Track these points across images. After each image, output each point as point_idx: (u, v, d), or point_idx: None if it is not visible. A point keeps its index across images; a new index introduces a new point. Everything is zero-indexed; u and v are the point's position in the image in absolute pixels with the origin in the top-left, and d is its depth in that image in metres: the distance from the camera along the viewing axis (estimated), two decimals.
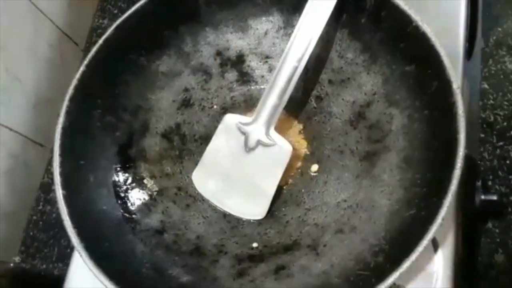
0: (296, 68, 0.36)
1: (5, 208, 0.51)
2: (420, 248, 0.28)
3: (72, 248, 0.49)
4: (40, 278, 0.53)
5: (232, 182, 0.40)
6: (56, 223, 0.54)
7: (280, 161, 0.38)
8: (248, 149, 0.39)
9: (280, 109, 0.38)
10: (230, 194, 0.40)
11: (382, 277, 0.28)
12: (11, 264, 0.53)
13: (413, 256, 0.28)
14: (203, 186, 0.40)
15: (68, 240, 0.50)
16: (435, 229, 0.28)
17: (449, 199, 0.28)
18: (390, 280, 0.28)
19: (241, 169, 0.39)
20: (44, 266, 0.53)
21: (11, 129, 0.52)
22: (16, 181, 0.53)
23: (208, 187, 0.40)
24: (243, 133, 0.39)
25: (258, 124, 0.38)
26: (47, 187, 0.57)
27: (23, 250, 0.54)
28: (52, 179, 0.54)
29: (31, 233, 0.55)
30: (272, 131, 0.38)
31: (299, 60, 0.36)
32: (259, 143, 0.38)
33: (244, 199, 0.39)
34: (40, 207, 0.56)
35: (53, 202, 0.55)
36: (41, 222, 0.55)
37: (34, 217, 0.56)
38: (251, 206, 0.39)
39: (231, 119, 0.39)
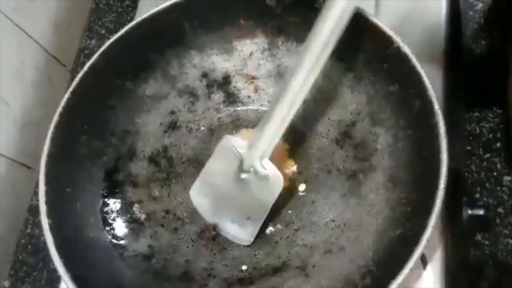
0: (294, 102, 0.36)
1: None
2: (406, 271, 0.28)
3: None
4: None
5: (224, 204, 0.40)
6: (45, 247, 0.53)
7: (272, 193, 0.38)
8: (242, 174, 0.39)
9: (277, 139, 0.37)
10: (221, 215, 0.40)
11: None
12: None
13: (399, 279, 0.28)
14: (199, 203, 0.41)
15: None
16: (420, 250, 0.28)
17: (433, 219, 0.29)
18: None
19: (233, 192, 0.39)
20: None
21: None
22: (3, 204, 0.53)
23: (203, 205, 0.40)
24: (239, 156, 0.39)
25: (253, 151, 0.38)
26: (35, 210, 0.56)
27: (12, 274, 0.53)
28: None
29: (20, 257, 0.54)
30: (266, 161, 0.38)
31: (299, 93, 0.36)
32: (252, 170, 0.38)
33: (233, 223, 0.39)
34: (29, 230, 0.55)
35: (41, 225, 0.55)
36: (29, 246, 0.55)
37: (23, 241, 0.55)
38: (239, 231, 0.39)
39: (228, 142, 0.39)
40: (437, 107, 0.32)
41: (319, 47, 0.34)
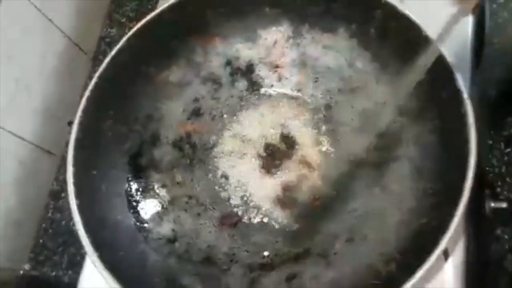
0: None
1: (14, 216, 0.52)
2: (432, 258, 0.28)
3: (81, 256, 0.49)
4: (49, 285, 0.53)
5: None
6: (66, 231, 0.55)
7: None
8: None
9: None
10: None
11: (394, 287, 0.28)
12: (21, 272, 0.53)
13: (425, 266, 0.28)
14: None
15: (77, 248, 0.50)
16: (447, 239, 0.28)
17: (461, 209, 0.29)
18: None
19: None
20: (53, 273, 0.53)
21: (20, 137, 0.53)
22: (26, 189, 0.54)
23: None
24: None
25: None
26: (56, 195, 0.57)
27: (33, 257, 0.54)
28: (61, 186, 0.54)
29: (41, 241, 0.55)
30: None
31: None
32: None
33: None
34: (50, 215, 0.56)
35: (62, 210, 0.56)
36: (50, 230, 0.55)
37: (43, 225, 0.56)
38: None
39: None
40: (465, 96, 0.31)
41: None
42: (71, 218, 0.51)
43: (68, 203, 0.52)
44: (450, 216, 0.29)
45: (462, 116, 0.31)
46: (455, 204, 0.29)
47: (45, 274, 0.53)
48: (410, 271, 0.29)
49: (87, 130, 0.37)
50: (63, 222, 0.55)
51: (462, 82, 0.32)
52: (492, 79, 0.49)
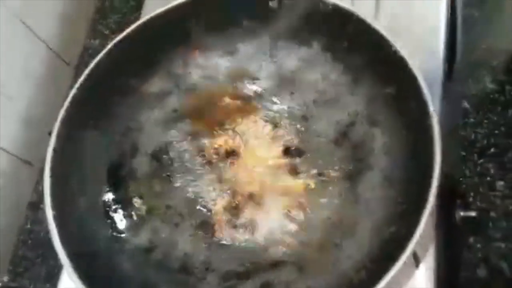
0: None
1: None
2: (399, 264, 0.29)
3: (59, 268, 0.49)
4: None
5: None
6: (44, 242, 0.54)
7: None
8: None
9: None
10: None
11: None
12: (0, 284, 0.53)
13: (392, 272, 0.29)
14: None
15: (56, 260, 0.50)
16: (413, 245, 0.29)
17: (426, 216, 0.30)
18: None
19: None
20: (32, 285, 0.53)
21: (0, 148, 0.53)
22: (4, 200, 0.53)
23: None
24: None
25: None
26: (35, 206, 0.56)
27: (12, 269, 0.54)
28: (40, 198, 0.54)
29: (20, 252, 0.54)
30: None
31: None
32: None
33: None
34: (28, 226, 0.56)
35: (41, 221, 0.55)
36: (29, 241, 0.55)
37: (22, 236, 0.55)
38: None
39: None
40: (432, 109, 0.33)
41: None
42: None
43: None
44: (417, 223, 0.30)
45: (428, 128, 0.32)
46: (421, 211, 0.30)
47: (24, 286, 0.53)
48: (379, 277, 0.29)
49: (66, 141, 0.37)
50: (42, 234, 0.55)
51: (429, 94, 0.34)
52: (464, 92, 0.51)
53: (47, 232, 0.52)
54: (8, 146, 0.54)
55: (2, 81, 0.52)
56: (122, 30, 0.42)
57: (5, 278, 0.53)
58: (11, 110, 0.54)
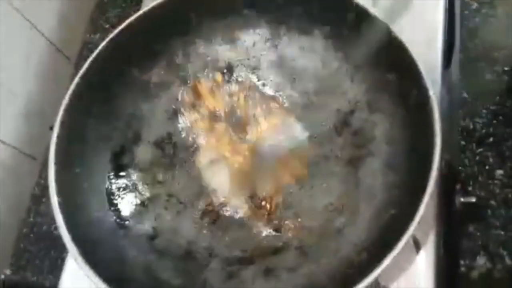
0: None
1: None
2: (400, 245, 0.29)
3: (63, 260, 0.49)
4: None
5: None
6: (47, 235, 0.54)
7: None
8: None
9: None
10: None
11: (365, 274, 0.30)
12: (2, 276, 0.53)
13: (394, 252, 0.29)
14: None
15: (59, 252, 0.51)
16: (414, 227, 0.30)
17: (426, 198, 0.30)
18: (372, 276, 0.29)
19: None
20: (35, 278, 0.53)
21: (2, 141, 0.53)
22: (7, 192, 0.54)
23: None
24: None
25: None
26: (37, 199, 0.56)
27: (14, 262, 0.54)
28: (42, 191, 0.54)
29: (22, 245, 0.54)
30: None
31: None
32: None
33: None
34: (31, 219, 0.56)
35: (43, 214, 0.55)
36: (31, 234, 0.55)
37: (25, 229, 0.55)
38: None
39: None
40: (431, 93, 0.33)
41: None
42: (52, 223, 0.52)
43: (49, 208, 0.52)
44: (417, 206, 0.30)
45: (428, 112, 0.33)
46: (422, 194, 0.30)
47: (26, 278, 0.53)
48: (380, 259, 0.30)
49: (69, 129, 0.38)
50: (44, 227, 0.55)
51: (429, 80, 0.34)
52: (463, 82, 0.51)
53: (50, 225, 0.53)
54: (10, 140, 0.54)
55: (3, 76, 0.52)
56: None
57: (8, 271, 0.53)
58: (13, 105, 0.55)
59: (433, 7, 0.47)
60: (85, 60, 0.41)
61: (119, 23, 0.41)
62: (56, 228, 0.51)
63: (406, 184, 0.34)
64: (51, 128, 0.41)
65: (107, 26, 0.64)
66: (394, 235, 0.31)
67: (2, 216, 0.53)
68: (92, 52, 0.41)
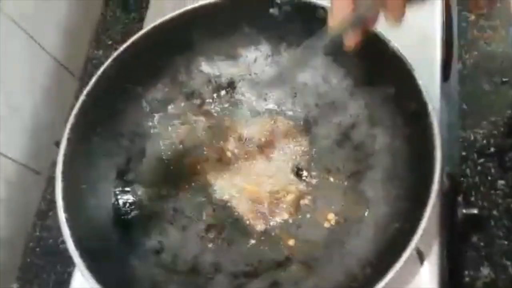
0: None
1: (2, 235, 0.52)
2: (403, 258, 0.30)
3: (69, 274, 0.49)
4: None
5: None
6: (53, 249, 0.55)
7: None
8: None
9: None
10: None
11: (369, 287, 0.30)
12: None
13: (397, 266, 0.30)
14: None
15: (65, 266, 0.51)
16: (417, 240, 0.30)
17: (429, 210, 0.30)
18: None
19: None
20: None
21: (8, 157, 0.54)
22: (13, 208, 0.54)
23: None
24: None
25: None
26: (43, 214, 0.57)
27: (20, 276, 0.54)
28: (48, 205, 0.55)
29: (28, 260, 0.55)
30: None
31: None
32: None
33: None
34: (37, 233, 0.57)
35: (49, 229, 0.56)
36: (38, 249, 0.56)
37: (31, 244, 0.56)
38: None
39: None
40: (431, 107, 0.34)
41: None
42: (58, 237, 0.52)
43: (55, 222, 0.53)
44: (420, 218, 0.31)
45: (428, 126, 0.33)
46: (424, 206, 0.31)
47: None
48: (384, 272, 0.30)
49: (75, 145, 0.38)
50: (51, 241, 0.56)
51: (428, 95, 0.35)
52: (462, 93, 0.52)
53: (56, 239, 0.53)
54: (15, 155, 0.55)
55: (8, 92, 0.53)
56: (126, 41, 0.43)
57: (15, 286, 0.54)
58: (17, 120, 0.55)
59: (430, 20, 0.48)
60: (90, 75, 0.41)
61: (122, 40, 0.42)
62: (62, 242, 0.52)
63: (408, 197, 0.34)
64: (57, 144, 0.41)
65: (110, 42, 0.65)
66: (398, 248, 0.31)
67: (9, 231, 0.53)
68: (96, 67, 0.42)
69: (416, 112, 0.35)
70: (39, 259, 0.55)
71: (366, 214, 0.37)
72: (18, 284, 0.54)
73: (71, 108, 0.41)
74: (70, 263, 0.50)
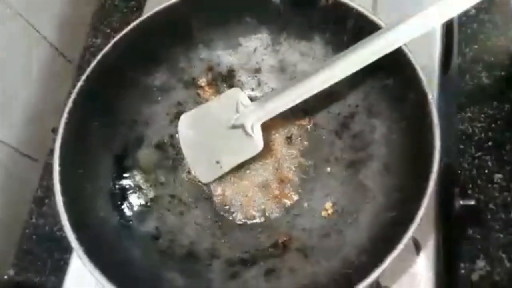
0: (306, 93, 0.39)
1: None
2: (400, 246, 0.30)
3: (65, 261, 0.49)
4: None
5: (204, 140, 0.43)
6: (49, 236, 0.55)
7: (246, 152, 0.41)
8: (232, 125, 0.41)
9: (278, 112, 0.40)
10: (197, 149, 0.43)
11: (365, 275, 0.30)
12: (5, 277, 0.53)
13: (394, 254, 0.30)
14: (184, 130, 0.44)
15: (61, 253, 0.51)
16: (414, 228, 0.30)
17: (426, 200, 0.31)
18: (372, 277, 0.30)
19: (217, 135, 0.42)
20: (37, 279, 0.53)
21: (5, 143, 0.54)
22: (10, 194, 0.54)
23: (187, 133, 0.43)
24: (237, 111, 0.41)
25: (252, 112, 0.41)
26: (40, 201, 0.57)
27: (16, 263, 0.54)
28: (45, 192, 0.55)
29: (24, 247, 0.55)
30: (258, 126, 0.40)
31: (315, 89, 0.38)
32: (242, 126, 0.40)
33: (203, 160, 0.42)
34: (33, 220, 0.56)
35: (46, 216, 0.56)
36: (34, 236, 0.56)
37: (27, 231, 0.56)
38: (204, 170, 0.42)
39: (235, 94, 0.42)
40: (430, 97, 0.34)
41: (351, 64, 0.37)
42: (55, 224, 0.52)
43: (51, 210, 0.53)
44: (417, 207, 0.31)
45: (427, 116, 0.33)
46: (422, 195, 0.31)
47: (29, 279, 0.53)
48: (380, 260, 0.30)
49: (74, 131, 0.38)
50: (47, 228, 0.56)
51: (428, 84, 0.35)
52: (461, 87, 0.52)
53: (52, 226, 0.53)
54: (12, 142, 0.55)
55: (5, 78, 0.53)
56: (123, 29, 0.43)
57: (11, 272, 0.54)
58: (15, 108, 0.55)
59: None
60: (87, 63, 0.41)
61: (121, 28, 0.42)
62: (58, 229, 0.52)
63: (406, 186, 0.35)
64: (53, 131, 0.41)
65: (108, 30, 0.65)
66: (395, 236, 0.31)
67: (5, 217, 0.53)
68: (94, 56, 0.41)
69: (415, 102, 0.35)
70: (35, 246, 0.55)
71: (364, 203, 0.37)
72: (14, 270, 0.54)
73: (69, 95, 0.40)
74: (67, 250, 0.50)
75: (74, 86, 0.40)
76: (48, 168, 0.55)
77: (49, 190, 0.56)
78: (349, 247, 0.35)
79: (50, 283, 0.52)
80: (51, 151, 0.39)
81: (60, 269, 0.49)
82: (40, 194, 0.57)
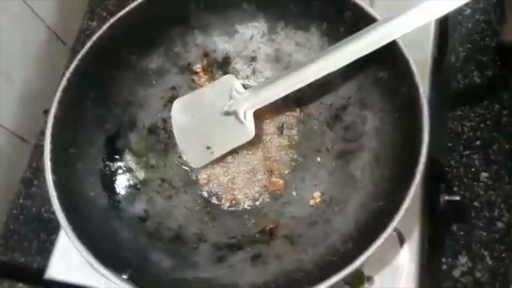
0: (301, 82, 0.39)
1: None
2: (384, 235, 0.30)
3: (51, 242, 0.49)
4: (19, 270, 0.53)
5: (197, 126, 0.43)
6: (36, 217, 0.55)
7: (238, 139, 0.42)
8: (225, 112, 0.42)
9: (271, 100, 0.40)
10: (189, 134, 0.43)
11: (349, 262, 0.30)
12: None
13: (378, 242, 0.30)
14: (177, 115, 0.44)
15: (48, 234, 0.51)
16: (399, 218, 0.31)
17: (412, 191, 0.31)
18: (356, 264, 0.30)
19: (210, 121, 0.43)
20: (23, 259, 0.53)
21: None
22: None
23: (180, 118, 0.44)
24: (231, 97, 0.42)
25: (245, 99, 0.41)
26: (28, 182, 0.57)
27: (3, 243, 0.54)
28: (34, 173, 0.54)
29: (11, 227, 0.55)
30: (251, 113, 0.41)
31: (310, 78, 0.39)
32: (235, 113, 0.41)
33: (195, 145, 0.43)
34: (21, 201, 0.56)
35: (33, 197, 0.56)
36: (21, 216, 0.55)
37: (14, 211, 0.56)
38: (195, 155, 0.43)
39: (230, 80, 0.43)
40: (422, 90, 0.34)
41: (345, 55, 0.38)
42: (42, 205, 0.52)
43: (40, 191, 0.52)
44: (403, 198, 0.31)
45: (418, 109, 0.34)
46: (408, 187, 0.31)
47: (15, 259, 0.53)
48: (365, 248, 0.31)
49: (67, 109, 0.38)
50: (34, 209, 0.55)
51: (420, 78, 0.35)
52: (452, 85, 0.53)
53: (39, 207, 0.53)
54: (4, 122, 0.54)
55: (1, 60, 0.52)
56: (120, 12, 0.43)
57: None
58: (8, 87, 0.55)
59: None
60: (82, 46, 0.41)
61: (117, 11, 0.42)
62: (46, 211, 0.52)
63: (394, 177, 0.35)
64: (45, 112, 0.41)
65: (104, 14, 0.64)
66: (380, 225, 0.32)
67: None
68: (89, 38, 0.41)
69: (407, 95, 0.36)
70: (22, 226, 0.54)
71: (352, 193, 0.37)
72: (0, 250, 0.53)
73: (63, 76, 0.40)
74: (53, 231, 0.50)
75: (68, 68, 0.40)
76: (38, 150, 0.55)
77: (38, 171, 0.55)
78: (335, 235, 0.35)
79: (36, 263, 0.52)
80: (42, 133, 0.39)
81: (46, 249, 0.49)
82: (29, 175, 0.57)
